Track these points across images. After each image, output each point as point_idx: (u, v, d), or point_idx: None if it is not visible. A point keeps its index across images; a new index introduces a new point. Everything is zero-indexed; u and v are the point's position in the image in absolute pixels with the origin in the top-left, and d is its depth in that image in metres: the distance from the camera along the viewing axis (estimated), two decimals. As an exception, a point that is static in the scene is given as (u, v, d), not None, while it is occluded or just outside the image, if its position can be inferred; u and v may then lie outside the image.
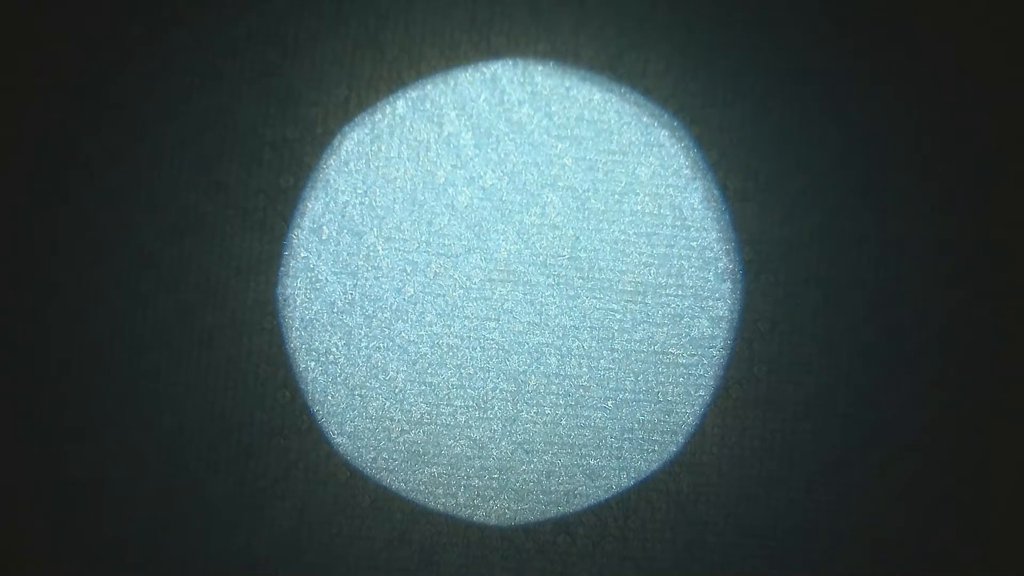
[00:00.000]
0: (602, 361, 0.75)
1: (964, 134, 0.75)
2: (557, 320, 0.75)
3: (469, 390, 0.74)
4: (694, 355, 0.75)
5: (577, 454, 0.74)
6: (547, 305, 0.75)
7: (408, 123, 0.75)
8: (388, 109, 0.75)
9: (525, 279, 0.75)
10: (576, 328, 0.75)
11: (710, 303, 0.75)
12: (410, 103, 0.76)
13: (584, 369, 0.75)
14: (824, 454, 0.73)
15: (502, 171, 0.75)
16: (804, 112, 0.75)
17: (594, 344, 0.75)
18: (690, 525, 0.73)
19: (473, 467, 0.74)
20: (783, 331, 0.74)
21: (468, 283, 0.75)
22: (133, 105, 0.74)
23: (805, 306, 0.74)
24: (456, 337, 0.75)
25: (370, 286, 0.75)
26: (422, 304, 0.75)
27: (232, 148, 0.74)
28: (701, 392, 0.74)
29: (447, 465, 0.74)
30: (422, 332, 0.75)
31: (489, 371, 0.74)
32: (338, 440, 0.74)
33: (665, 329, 0.75)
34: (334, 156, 0.75)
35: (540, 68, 0.76)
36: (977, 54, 0.75)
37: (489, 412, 0.74)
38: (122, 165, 0.74)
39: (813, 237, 0.74)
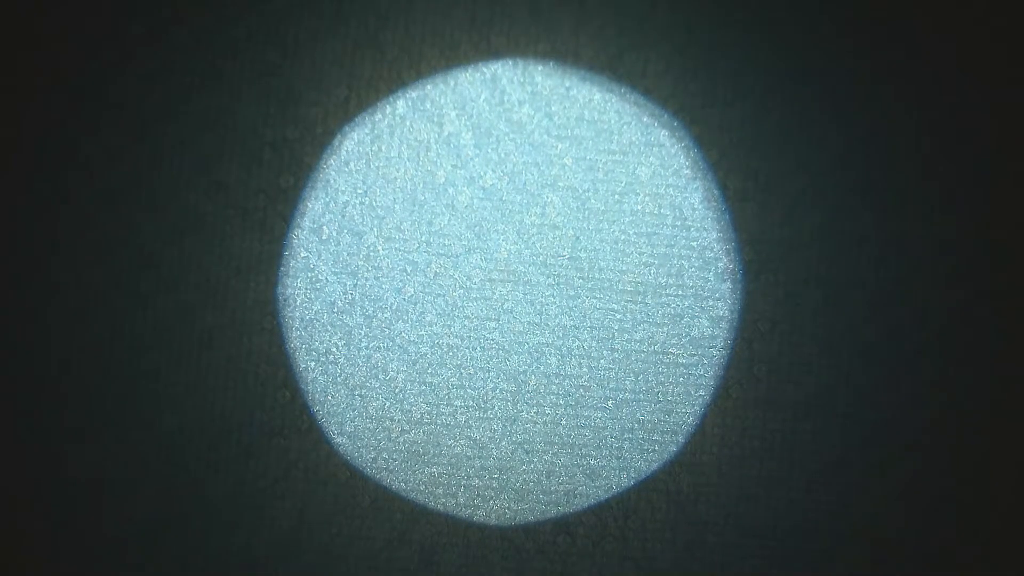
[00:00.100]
0: (602, 361, 0.75)
1: (964, 134, 0.75)
2: (557, 320, 0.75)
3: (469, 390, 0.74)
4: (694, 355, 0.75)
5: (577, 454, 0.74)
6: (547, 305, 0.75)
7: (408, 123, 0.75)
8: (388, 109, 0.75)
9: (525, 279, 0.75)
10: (576, 328, 0.75)
11: (710, 303, 0.75)
12: (410, 103, 0.76)
13: (584, 369, 0.75)
14: (824, 454, 0.73)
15: (502, 171, 0.75)
16: (804, 112, 0.75)
17: (594, 344, 0.75)
18: (690, 525, 0.73)
19: (473, 467, 0.74)
20: (783, 331, 0.74)
21: (468, 283, 0.75)
22: (133, 105, 0.74)
23: (805, 306, 0.74)
24: (456, 337, 0.75)
25: (370, 286, 0.75)
26: (422, 304, 0.75)
27: (232, 148, 0.74)
28: (701, 392, 0.74)
29: (447, 465, 0.74)
30: (422, 332, 0.75)
31: (489, 371, 0.74)
32: (338, 440, 0.74)
33: (665, 329, 0.75)
34: (334, 156, 0.75)
35: (540, 68, 0.76)
36: (977, 54, 0.75)
37: (489, 412, 0.74)
38: (122, 165, 0.74)
39: (813, 237, 0.74)
